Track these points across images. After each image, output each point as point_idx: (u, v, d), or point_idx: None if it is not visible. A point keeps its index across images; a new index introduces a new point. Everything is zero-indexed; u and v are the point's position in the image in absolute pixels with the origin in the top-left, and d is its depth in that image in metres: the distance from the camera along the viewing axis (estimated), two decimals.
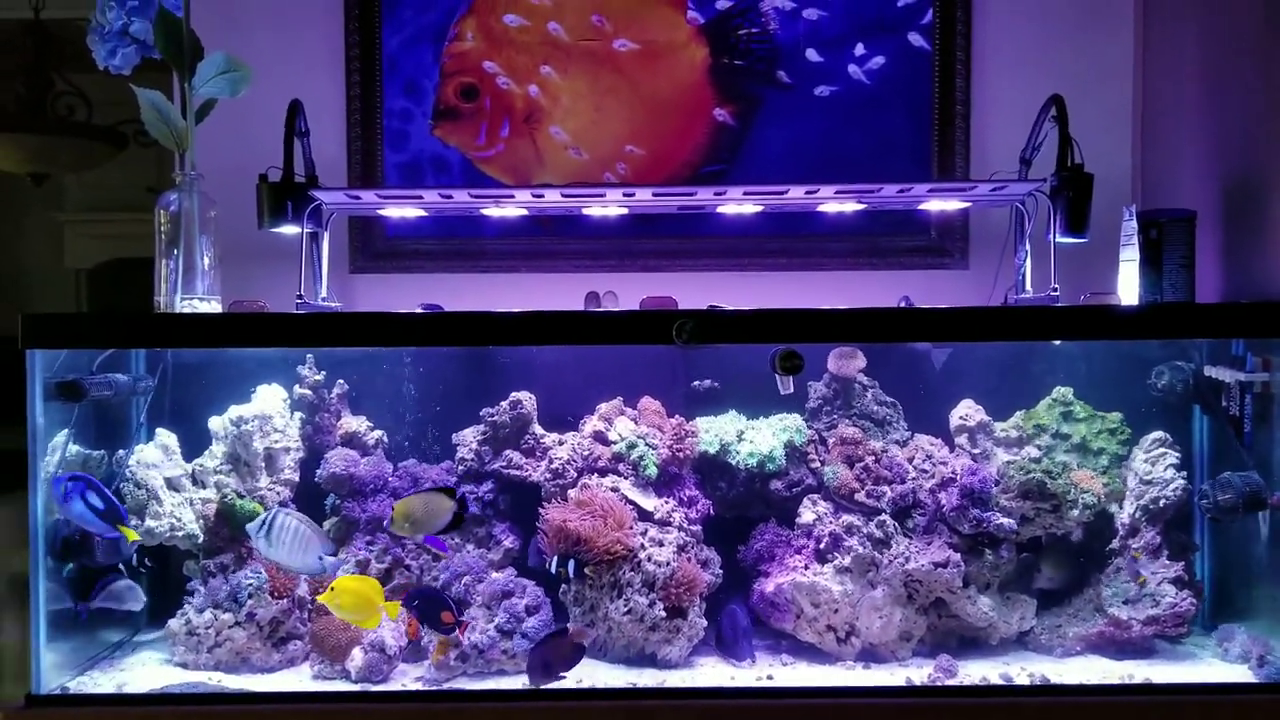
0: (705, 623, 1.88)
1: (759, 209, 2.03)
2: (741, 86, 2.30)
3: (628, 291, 2.03)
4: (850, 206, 2.01)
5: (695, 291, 1.95)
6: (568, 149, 2.31)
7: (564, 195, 1.94)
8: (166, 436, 2.01)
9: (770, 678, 1.80)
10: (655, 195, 1.93)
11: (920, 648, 1.91)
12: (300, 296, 1.94)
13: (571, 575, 1.85)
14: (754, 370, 1.97)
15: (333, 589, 1.71)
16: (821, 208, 2.03)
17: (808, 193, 1.92)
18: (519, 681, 1.80)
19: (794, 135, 2.29)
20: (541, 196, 1.93)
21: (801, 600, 1.88)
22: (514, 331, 1.76)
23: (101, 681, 1.80)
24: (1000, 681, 1.78)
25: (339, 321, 1.81)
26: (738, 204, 1.99)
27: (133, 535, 1.83)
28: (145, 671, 1.85)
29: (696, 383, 2.07)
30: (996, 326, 1.76)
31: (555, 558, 1.83)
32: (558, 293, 2.27)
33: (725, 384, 2.10)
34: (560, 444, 2.04)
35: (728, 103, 2.30)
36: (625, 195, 1.93)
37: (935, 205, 2.00)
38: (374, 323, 1.77)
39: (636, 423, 2.05)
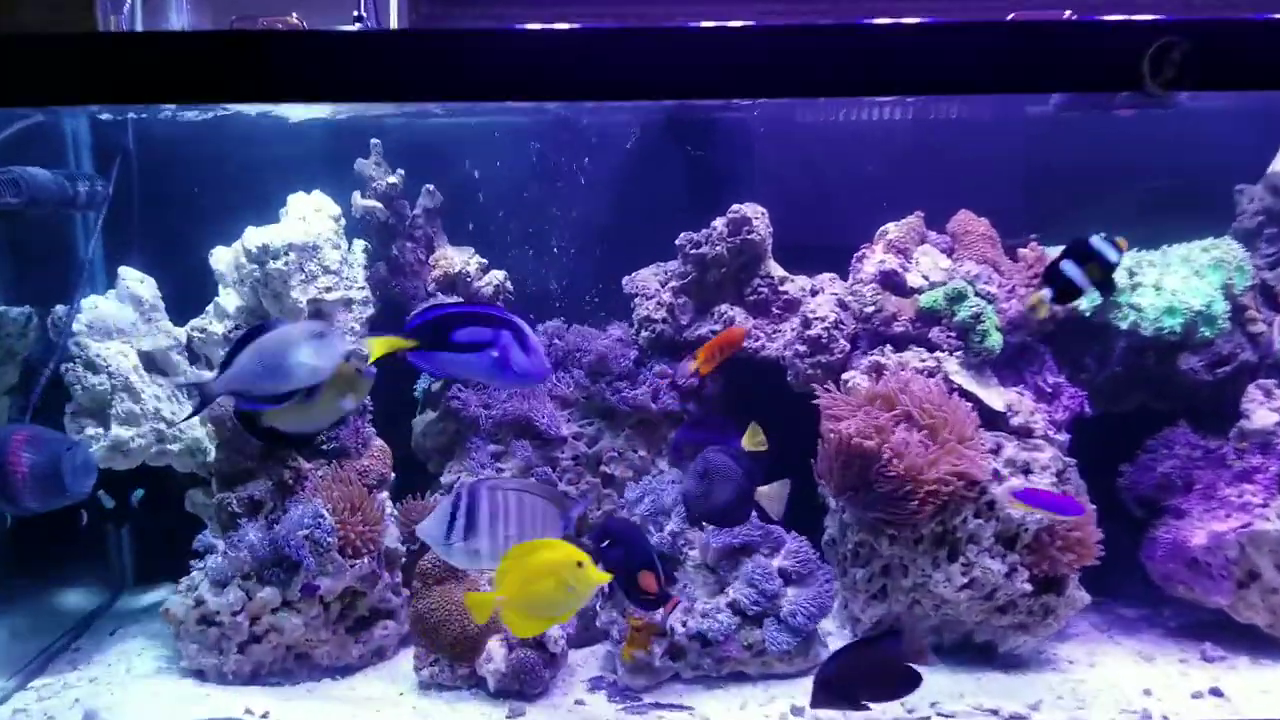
0: (1088, 598, 1.09)
1: None
2: None
3: None
4: None
5: None
6: None
7: None
8: (137, 282, 1.16)
9: (1218, 692, 1.02)
10: None
11: None
12: (360, 15, 1.03)
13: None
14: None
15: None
16: None
17: None
18: (768, 697, 1.03)
19: None
20: None
21: (1259, 559, 1.08)
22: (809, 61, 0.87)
23: (55, 707, 1.02)
24: None
25: (449, 45, 0.89)
26: None
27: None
28: (133, 692, 1.06)
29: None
30: None
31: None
32: None
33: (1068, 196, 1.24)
34: (814, 293, 1.19)
35: None
36: None
37: None
38: (522, 43, 0.87)
39: (952, 257, 1.19)
